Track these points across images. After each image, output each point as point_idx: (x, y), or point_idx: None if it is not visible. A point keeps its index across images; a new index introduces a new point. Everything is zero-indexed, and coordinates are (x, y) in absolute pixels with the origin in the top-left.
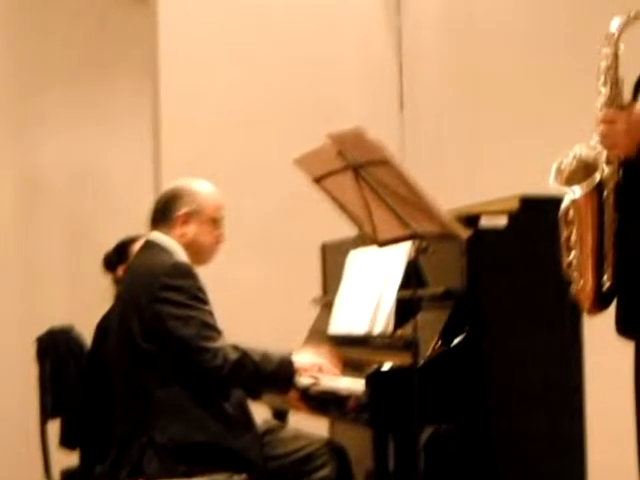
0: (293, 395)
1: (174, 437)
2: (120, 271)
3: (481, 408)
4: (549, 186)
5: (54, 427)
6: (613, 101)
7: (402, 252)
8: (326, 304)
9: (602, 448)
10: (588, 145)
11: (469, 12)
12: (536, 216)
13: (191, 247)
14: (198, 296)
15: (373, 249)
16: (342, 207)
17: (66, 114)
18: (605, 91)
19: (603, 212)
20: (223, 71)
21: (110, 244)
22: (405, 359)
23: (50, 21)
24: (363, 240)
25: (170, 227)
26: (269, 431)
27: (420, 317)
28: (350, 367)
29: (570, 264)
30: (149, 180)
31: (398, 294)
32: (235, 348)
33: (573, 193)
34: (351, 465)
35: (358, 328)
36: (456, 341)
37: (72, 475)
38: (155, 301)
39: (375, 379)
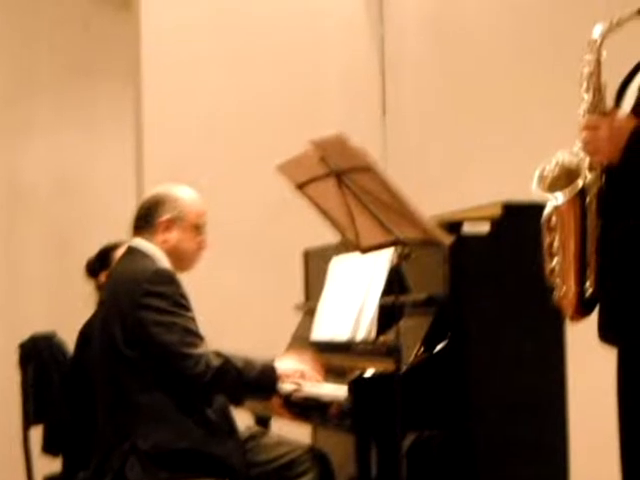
0: (276, 401)
1: (157, 443)
2: (102, 277)
3: (463, 414)
4: (532, 192)
5: (37, 433)
6: (596, 107)
7: (384, 258)
8: (309, 310)
9: (585, 454)
10: (571, 151)
11: (452, 18)
12: (519, 222)
13: (173, 253)
14: (180, 302)
15: (356, 255)
16: (325, 213)
17: (49, 119)
18: (588, 97)
19: (586, 218)
20: (205, 77)
21: (92, 250)
22: (388, 365)
23: (34, 27)
24: (346, 246)
25: (152, 233)
26: (252, 437)
27: (403, 323)
28: (333, 373)
29: (553, 270)
30: (132, 186)
31: (380, 300)
32: (218, 354)
33: (556, 199)
34: (334, 471)
35: (341, 334)
36: (438, 347)
37: None
38: (137, 307)
39: (357, 385)
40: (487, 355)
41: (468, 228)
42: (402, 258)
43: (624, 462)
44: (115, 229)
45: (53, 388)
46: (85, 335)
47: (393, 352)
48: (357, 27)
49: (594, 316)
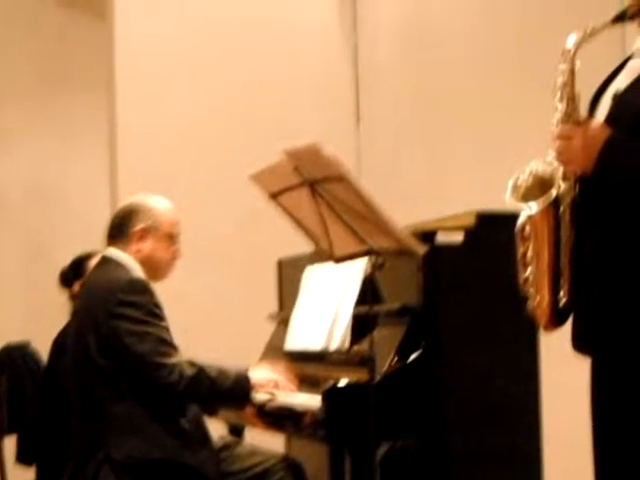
0: (249, 411)
1: (130, 453)
2: (76, 287)
3: (437, 424)
4: (505, 202)
5: (10, 443)
6: (569, 117)
7: (358, 268)
8: (282, 320)
9: (558, 464)
10: (544, 161)
11: (426, 27)
12: (492, 232)
13: (147, 263)
14: (154, 312)
15: (329, 265)
16: (298, 223)
17: (23, 129)
18: (561, 107)
19: (559, 228)
20: (180, 87)
21: (66, 260)
22: (361, 375)
23: (8, 36)
24: (319, 256)
25: (126, 243)
26: (225, 447)
27: (376, 333)
28: (306, 383)
29: (526, 280)
30: (105, 196)
31: (354, 310)
32: (191, 364)
33: (529, 209)
34: None
35: (314, 344)
36: (412, 357)
37: None
38: (111, 317)
39: (331, 395)
40: (461, 364)
41: (442, 238)
42: (376, 268)
43: (598, 471)
44: (89, 239)
45: (27, 398)
46: (59, 345)
47: (367, 362)
48: (330, 36)
49: (568, 326)
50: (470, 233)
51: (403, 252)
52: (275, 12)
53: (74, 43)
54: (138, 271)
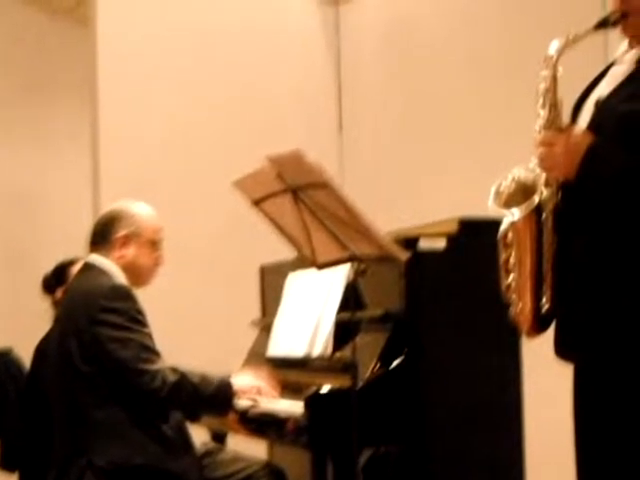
0: (232, 417)
1: (113, 459)
2: (59, 293)
3: (420, 430)
4: (488, 208)
5: None
6: (552, 123)
7: (341, 274)
8: (265, 326)
9: (541, 470)
10: (527, 167)
11: (408, 34)
12: (475, 238)
13: (130, 269)
14: (137, 318)
15: (312, 271)
16: (281, 229)
17: (5, 136)
18: (544, 113)
19: (542, 234)
20: (162, 94)
21: (49, 266)
22: (344, 381)
23: None
24: (302, 262)
25: (109, 249)
26: (208, 453)
27: (359, 339)
28: (289, 389)
29: (509, 286)
30: (88, 202)
31: (337, 316)
32: (174, 370)
33: (512, 215)
34: None
35: (297, 350)
36: (395, 363)
37: None
38: (94, 323)
39: (314, 401)
40: (443, 371)
41: (424, 244)
42: (358, 274)
43: (580, 476)
44: (72, 245)
45: (9, 404)
46: (41, 351)
47: (349, 368)
48: (313, 42)
49: (550, 332)
50: (452, 239)
51: (385, 258)
52: (257, 19)
53: (56, 50)
54: (121, 277)
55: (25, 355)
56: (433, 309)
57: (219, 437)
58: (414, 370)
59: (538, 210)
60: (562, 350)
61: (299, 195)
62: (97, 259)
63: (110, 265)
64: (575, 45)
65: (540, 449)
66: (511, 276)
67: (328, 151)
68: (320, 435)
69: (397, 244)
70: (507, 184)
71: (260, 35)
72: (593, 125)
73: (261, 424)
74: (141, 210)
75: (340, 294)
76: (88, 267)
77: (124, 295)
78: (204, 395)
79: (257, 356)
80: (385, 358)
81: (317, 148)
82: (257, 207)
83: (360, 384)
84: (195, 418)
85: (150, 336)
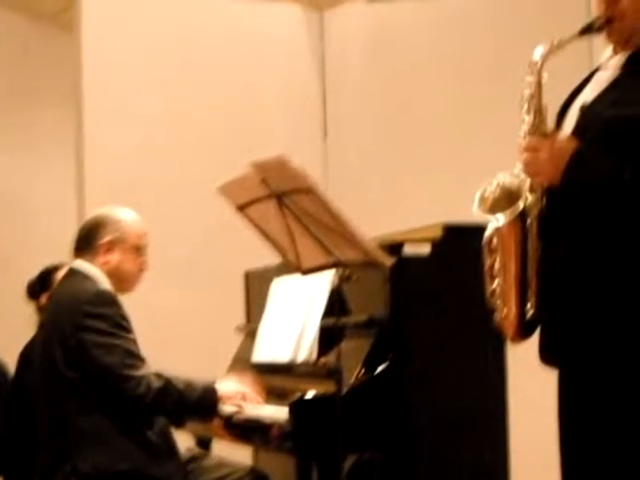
0: (217, 423)
1: (97, 465)
2: (43, 299)
3: (404, 436)
4: (473, 214)
5: None
6: (537, 129)
7: (325, 280)
8: (250, 332)
9: (525, 475)
10: (512, 173)
11: (393, 40)
12: (460, 244)
13: (114, 275)
14: (121, 324)
15: (297, 277)
16: (266, 235)
17: None
18: (529, 119)
19: (526, 240)
20: (147, 99)
21: (33, 272)
22: (328, 387)
23: None
24: (287, 268)
25: (93, 255)
26: (193, 459)
27: (343, 345)
28: (273, 395)
29: (494, 292)
30: (73, 208)
31: (321, 322)
32: (159, 376)
33: (497, 221)
34: None
35: (282, 356)
36: (379, 369)
37: None
38: (78, 329)
39: (298, 407)
40: (428, 376)
41: (409, 249)
42: (343, 280)
43: None
44: (56, 251)
45: None
46: (26, 357)
47: (334, 374)
48: (298, 49)
49: (535, 337)
50: (437, 245)
51: (370, 264)
52: (242, 25)
53: (40, 56)
54: (105, 283)
55: (10, 361)
56: (418, 315)
57: (204, 443)
58: (399, 376)
59: (523, 216)
60: (547, 356)
61: (284, 200)
62: (82, 265)
63: (95, 271)
64: (560, 51)
65: (525, 454)
66: (496, 282)
67: (313, 157)
68: (305, 441)
69: (382, 249)
70: (492, 190)
71: (245, 41)
72: (578, 131)
73: (246, 430)
74: (126, 216)
75: (325, 300)
76: (73, 273)
77: (109, 301)
78: (189, 401)
79: (242, 362)
80: (370, 364)
81: (302, 153)
82: (242, 212)
83: (345, 390)
84: (180, 424)
85: (135, 342)
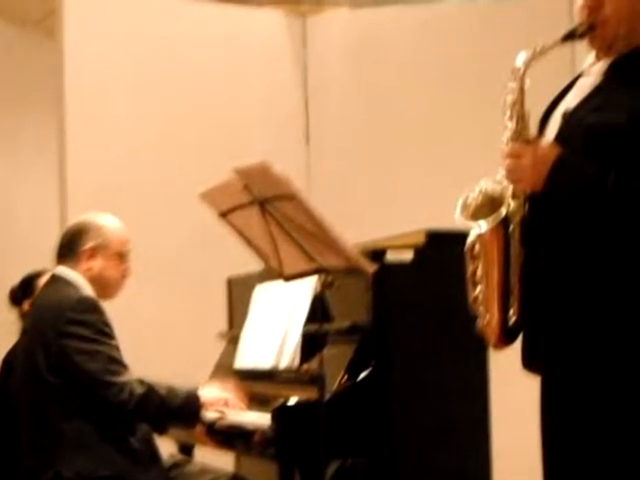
0: (199, 429)
1: (80, 471)
2: (26, 305)
3: (387, 442)
4: (455, 220)
5: None
6: (519, 135)
7: (308, 286)
8: (232, 338)
9: None
10: (494, 179)
11: (376, 47)
12: (442, 250)
13: (97, 281)
14: (104, 330)
15: (279, 283)
16: (248, 241)
17: None
18: (511, 125)
19: (509, 247)
20: (129, 106)
21: (16, 278)
22: (311, 394)
23: None
24: (269, 274)
25: (76, 261)
26: (175, 466)
27: (326, 351)
28: (256, 401)
29: (476, 298)
30: (55, 214)
31: (304, 328)
32: (141, 382)
33: (479, 227)
34: None
35: (264, 362)
36: (362, 375)
37: None
38: (61, 335)
39: (281, 413)
40: (411, 383)
41: (391, 256)
42: (325, 286)
43: None
44: (39, 257)
45: None
46: (8, 363)
47: (316, 380)
48: (280, 55)
49: (517, 344)
50: (420, 251)
51: (353, 270)
52: (225, 31)
53: (23, 62)
54: (88, 289)
55: None
56: (400, 321)
57: (186, 449)
58: (381, 382)
59: (505, 222)
60: (529, 362)
61: (266, 207)
62: (64, 271)
63: (77, 277)
64: (542, 57)
65: (507, 460)
66: (478, 288)
67: (295, 163)
68: (287, 447)
69: (364, 256)
70: (474, 196)
71: (227, 47)
72: (560, 137)
73: (228, 436)
74: (108, 222)
75: (307, 306)
76: (55, 279)
77: (91, 307)
78: (171, 407)
79: (224, 368)
80: (352, 370)
81: (284, 160)
82: (224, 219)
83: (327, 396)
84: (162, 430)
85: (117, 348)
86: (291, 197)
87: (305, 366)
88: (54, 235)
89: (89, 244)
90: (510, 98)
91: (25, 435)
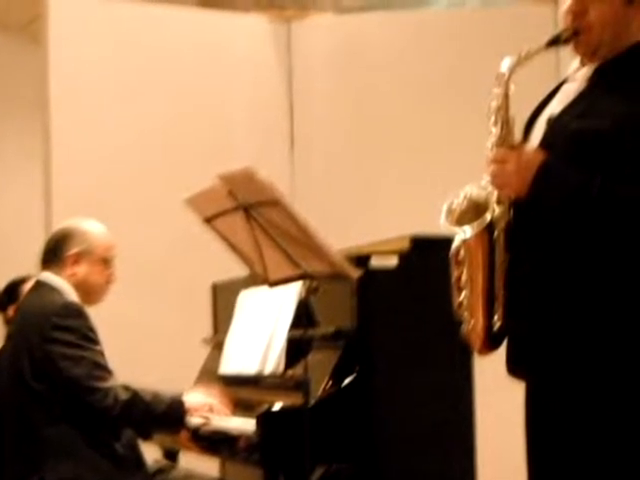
0: (184, 435)
1: (64, 477)
2: (11, 311)
3: (372, 448)
4: (440, 226)
5: None
6: (504, 141)
7: (293, 292)
8: (217, 344)
9: None
10: (479, 185)
11: (361, 52)
12: (427, 256)
13: (82, 287)
14: (89, 336)
15: (264, 289)
16: (233, 247)
17: None
18: (496, 131)
19: (494, 252)
20: (114, 111)
21: (0, 284)
22: (296, 399)
23: None
24: (254, 280)
25: (61, 267)
26: (160, 471)
27: (311, 357)
28: (241, 407)
29: (461, 304)
30: (40, 220)
31: (289, 334)
32: (126, 388)
33: (464, 233)
34: None
35: (249, 368)
36: (347, 381)
37: None
38: (46, 341)
39: (266, 419)
40: (395, 388)
41: (376, 262)
42: (310, 292)
43: None
44: (23, 263)
45: None
46: None
47: (301, 386)
48: (265, 61)
49: (502, 349)
50: (404, 257)
51: (337, 276)
52: (209, 37)
53: (7, 67)
54: (72, 295)
55: None
56: (385, 327)
57: (171, 455)
58: (366, 388)
59: (490, 228)
60: (514, 368)
61: (251, 213)
62: (49, 277)
63: (62, 283)
64: (527, 63)
65: (492, 466)
66: (463, 294)
67: (279, 169)
68: (272, 453)
69: (349, 262)
70: (459, 202)
71: (212, 53)
72: (545, 143)
73: (213, 442)
74: (93, 228)
75: (292, 312)
76: (40, 285)
77: (76, 313)
78: (156, 413)
79: (209, 374)
80: (337, 376)
81: (269, 165)
82: (209, 225)
83: (312, 402)
84: (147, 436)
85: (102, 354)
86: (276, 203)
87: (290, 372)
88: (39, 241)
89: (74, 250)
90: (495, 104)
91: (10, 440)
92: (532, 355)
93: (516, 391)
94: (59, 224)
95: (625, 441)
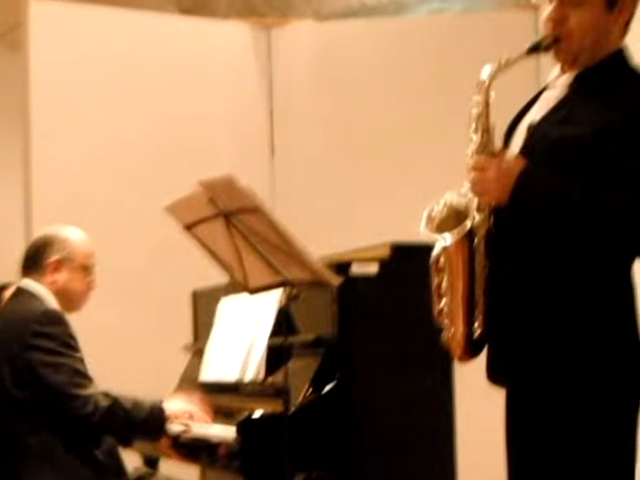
0: (164, 442)
1: None
2: None
3: (352, 455)
4: (420, 233)
5: None
6: (484, 148)
7: (273, 299)
8: (197, 351)
9: None
10: (459, 192)
11: (341, 59)
12: (407, 263)
13: (62, 294)
14: (69, 343)
15: (244, 296)
16: (213, 254)
17: None
18: (476, 138)
19: (474, 259)
20: (94, 118)
21: None
22: (276, 406)
23: None
24: (234, 287)
25: (41, 274)
26: (140, 479)
27: (291, 364)
28: (221, 414)
29: (441, 311)
30: (20, 227)
31: (269, 341)
32: (106, 395)
33: (444, 240)
34: None
35: (229, 375)
36: (327, 388)
37: None
38: (26, 348)
39: (246, 426)
40: (376, 396)
41: (356, 269)
42: (290, 299)
43: None
44: (3, 270)
45: None
46: None
47: (281, 393)
48: (245, 68)
49: (482, 357)
50: (385, 264)
51: (318, 283)
52: (189, 43)
53: None
54: (53, 302)
55: None
56: (365, 334)
57: (151, 462)
58: (346, 395)
59: (470, 235)
60: (494, 375)
61: (231, 220)
62: (29, 284)
63: (42, 290)
64: (507, 70)
65: (472, 473)
66: (443, 301)
67: (260, 176)
68: (252, 460)
69: (329, 269)
70: (439, 209)
71: (192, 59)
72: (525, 150)
73: (193, 449)
74: (73, 235)
75: (272, 319)
76: (20, 292)
77: (56, 320)
78: (136, 420)
79: (189, 381)
80: (317, 383)
81: (249, 173)
82: (189, 232)
83: (292, 409)
84: (127, 443)
85: (82, 361)
86: (256, 210)
87: (270, 379)
88: (19, 248)
89: (54, 257)
90: (475, 111)
91: None
92: (512, 362)
93: (496, 398)
94: (39, 231)
95: (604, 446)
